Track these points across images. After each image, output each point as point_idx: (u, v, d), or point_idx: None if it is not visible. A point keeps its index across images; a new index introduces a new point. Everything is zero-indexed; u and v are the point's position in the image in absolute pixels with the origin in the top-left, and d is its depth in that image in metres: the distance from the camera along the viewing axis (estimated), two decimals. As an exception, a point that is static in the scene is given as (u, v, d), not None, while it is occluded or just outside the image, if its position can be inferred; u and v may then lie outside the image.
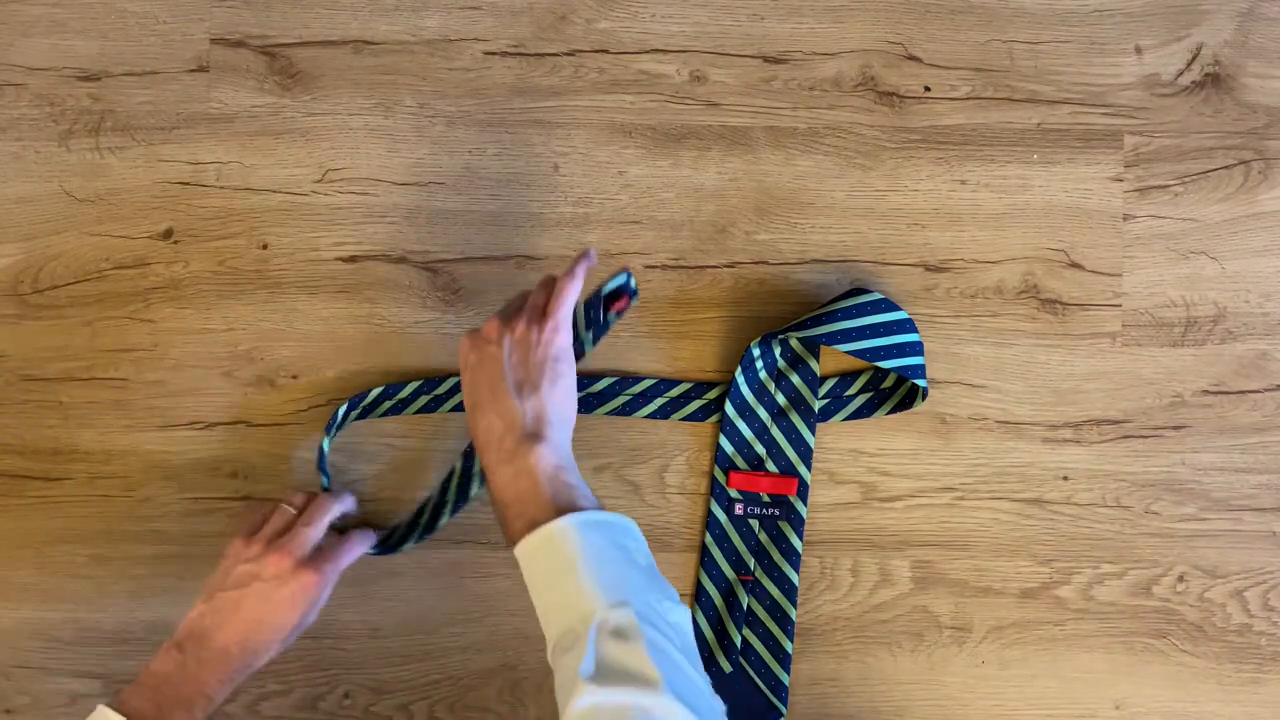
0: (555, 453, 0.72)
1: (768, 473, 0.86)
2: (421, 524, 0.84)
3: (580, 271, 0.76)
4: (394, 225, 0.88)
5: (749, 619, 0.86)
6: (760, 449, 0.87)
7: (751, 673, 0.85)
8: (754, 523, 0.87)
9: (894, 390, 0.87)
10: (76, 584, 0.86)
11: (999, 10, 0.89)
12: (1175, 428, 0.88)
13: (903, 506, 0.87)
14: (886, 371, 0.87)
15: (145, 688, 0.72)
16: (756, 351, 0.86)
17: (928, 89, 0.88)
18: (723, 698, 0.84)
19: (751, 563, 0.86)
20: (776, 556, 0.86)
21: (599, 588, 0.66)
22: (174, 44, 0.88)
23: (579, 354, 0.79)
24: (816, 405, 0.87)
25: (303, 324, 0.87)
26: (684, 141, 0.88)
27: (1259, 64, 0.89)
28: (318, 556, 0.77)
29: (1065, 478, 0.88)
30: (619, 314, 0.81)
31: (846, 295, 0.85)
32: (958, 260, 0.88)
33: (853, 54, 0.88)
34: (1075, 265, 0.88)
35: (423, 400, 0.86)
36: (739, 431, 0.87)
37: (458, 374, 0.86)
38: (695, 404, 0.87)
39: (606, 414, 0.87)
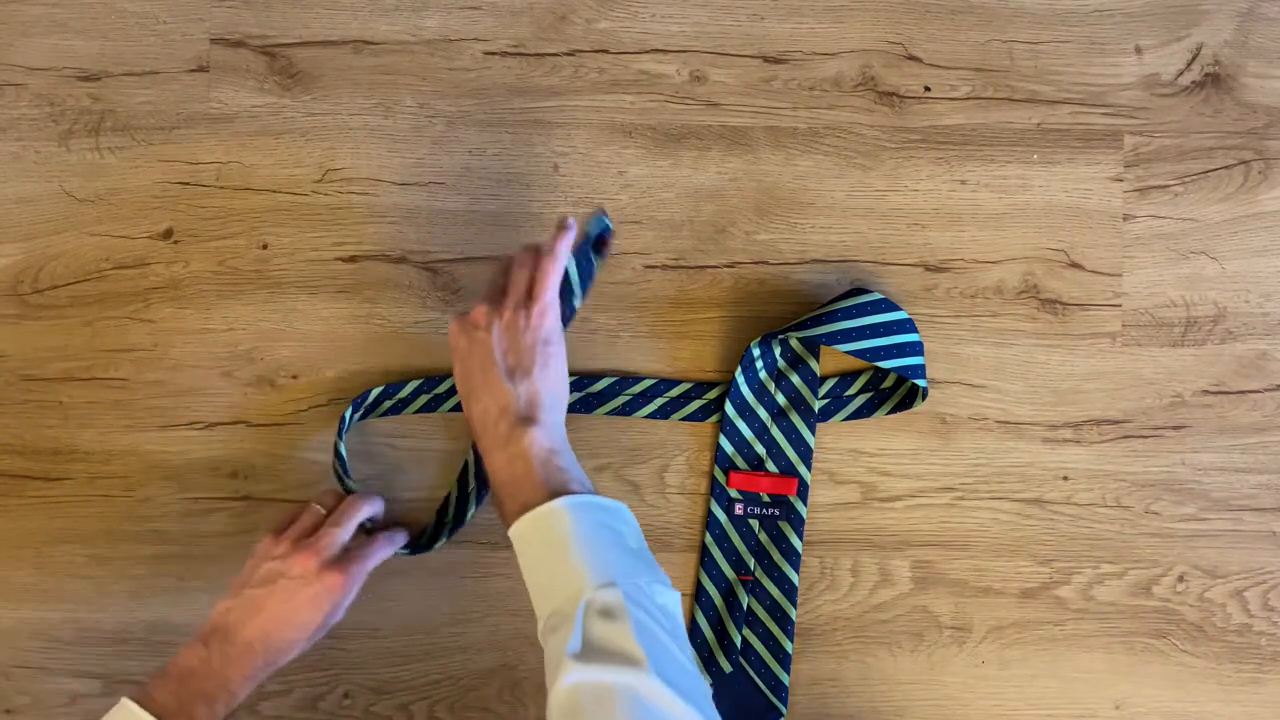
0: (549, 436, 0.73)
1: (768, 473, 0.86)
2: (449, 520, 0.85)
3: (563, 249, 0.77)
4: (394, 225, 0.88)
5: (749, 619, 0.86)
6: (760, 449, 0.87)
7: (751, 673, 0.85)
8: (754, 523, 0.87)
9: (894, 390, 0.87)
10: (76, 584, 0.86)
11: (999, 10, 0.89)
12: (1175, 428, 0.88)
13: (903, 506, 0.87)
14: (886, 371, 0.87)
15: (170, 680, 0.72)
16: (756, 351, 0.86)
17: (928, 89, 0.88)
18: (723, 698, 0.85)
19: (751, 563, 0.86)
20: (776, 556, 0.86)
21: (588, 568, 0.67)
22: (174, 44, 0.88)
23: (570, 315, 0.80)
24: (816, 405, 0.87)
25: (303, 324, 0.87)
26: (684, 141, 0.88)
27: (1259, 64, 0.89)
28: (344, 558, 0.77)
29: (1065, 478, 0.88)
30: (604, 257, 0.81)
31: (846, 295, 0.85)
32: (958, 260, 0.88)
33: (853, 54, 0.88)
34: (1075, 265, 0.88)
35: (423, 400, 0.86)
36: (739, 431, 0.87)
37: (458, 373, 0.86)
38: (695, 404, 0.87)
39: (606, 414, 0.87)
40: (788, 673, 0.85)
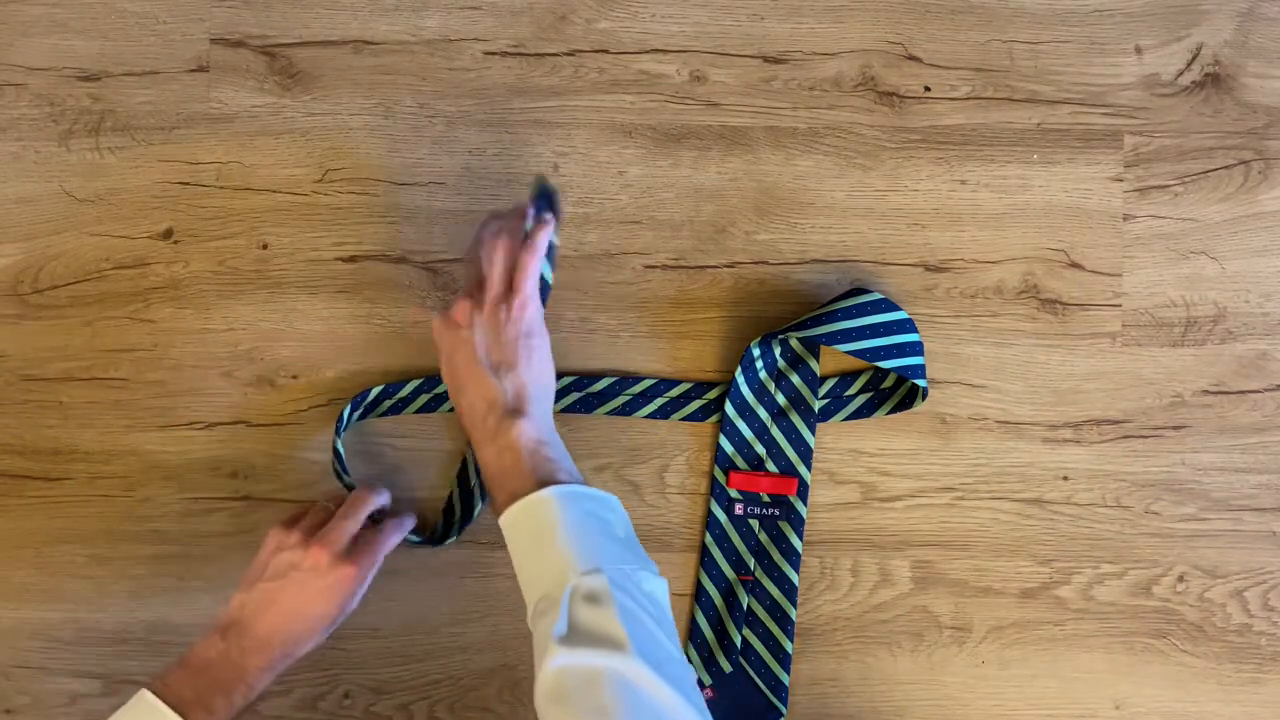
0: (536, 427, 0.74)
1: (768, 473, 0.86)
2: (457, 516, 0.85)
3: (541, 242, 0.77)
4: (394, 225, 0.88)
5: (749, 619, 0.86)
6: (760, 449, 0.87)
7: (751, 673, 0.85)
8: (754, 523, 0.87)
9: (894, 390, 0.87)
10: (76, 584, 0.86)
11: (999, 10, 0.89)
12: (1175, 428, 0.88)
13: (903, 506, 0.87)
14: (886, 371, 0.87)
15: (188, 671, 0.73)
16: (756, 351, 0.86)
17: (928, 89, 0.88)
18: (723, 697, 0.85)
19: (751, 563, 0.86)
20: (776, 556, 0.86)
21: (575, 555, 0.68)
22: (174, 44, 0.88)
23: (546, 293, 0.79)
24: (816, 405, 0.87)
25: (303, 324, 0.87)
26: (684, 141, 0.88)
27: (1259, 64, 0.89)
28: (355, 550, 0.77)
29: (1065, 478, 0.88)
30: (559, 220, 0.79)
31: (846, 295, 0.85)
32: (958, 260, 0.88)
33: (853, 54, 0.88)
34: (1075, 265, 0.88)
35: (423, 399, 0.86)
36: (739, 431, 0.87)
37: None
38: (695, 404, 0.87)
39: (606, 414, 0.87)
40: (788, 673, 0.85)
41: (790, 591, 0.86)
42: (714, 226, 0.88)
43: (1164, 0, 0.89)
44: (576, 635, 0.65)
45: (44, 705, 0.86)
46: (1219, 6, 0.89)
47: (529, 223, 0.77)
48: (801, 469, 0.86)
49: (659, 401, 0.87)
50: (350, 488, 0.83)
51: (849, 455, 0.87)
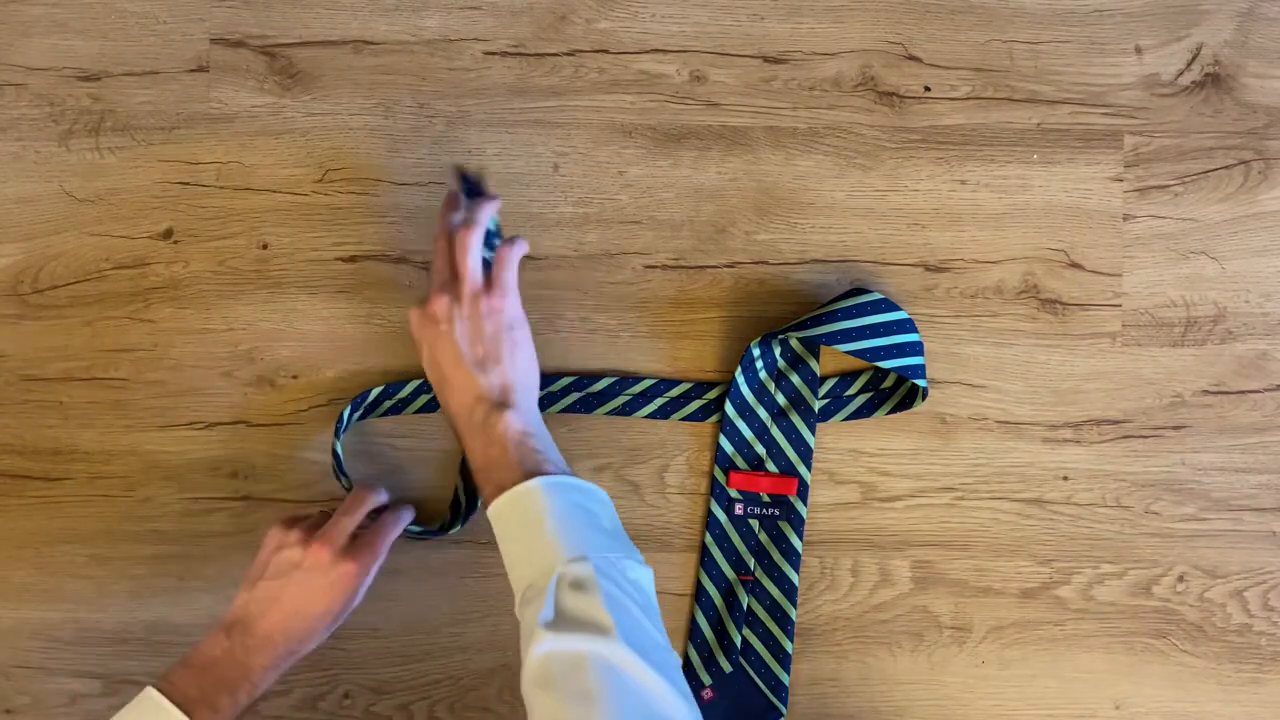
0: (523, 419, 0.75)
1: (768, 473, 0.86)
2: (462, 508, 0.85)
3: (520, 243, 0.78)
4: (394, 225, 0.88)
5: (749, 619, 0.86)
6: (760, 449, 0.87)
7: (751, 673, 0.85)
8: (754, 523, 0.87)
9: (894, 390, 0.87)
10: (76, 584, 0.86)
11: (999, 10, 0.89)
12: (1175, 428, 0.88)
13: (903, 506, 0.87)
14: (886, 371, 0.87)
15: (192, 669, 0.73)
16: (756, 351, 0.86)
17: (928, 89, 0.88)
18: (723, 698, 0.85)
19: (751, 563, 0.86)
20: (776, 556, 0.86)
21: (561, 544, 0.69)
22: (174, 44, 0.88)
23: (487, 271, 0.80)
24: (816, 405, 0.87)
25: (303, 324, 0.87)
26: (684, 141, 0.88)
27: (1259, 64, 0.89)
28: (355, 546, 0.78)
29: (1065, 478, 0.88)
30: (490, 196, 0.81)
31: (846, 295, 0.85)
32: (958, 260, 0.88)
33: (853, 54, 0.88)
34: (1075, 265, 0.88)
35: (423, 400, 0.86)
36: (739, 431, 0.87)
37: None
38: (695, 404, 0.87)
39: (606, 414, 0.87)
40: (788, 673, 0.85)
41: (790, 591, 0.86)
42: (714, 226, 0.88)
43: (1164, 0, 0.89)
44: (563, 621, 0.66)
45: (44, 705, 0.86)
46: (1219, 6, 0.89)
47: (459, 216, 0.78)
48: (801, 469, 0.86)
49: (659, 401, 0.87)
50: (349, 490, 0.83)
51: (849, 455, 0.87)
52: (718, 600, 0.86)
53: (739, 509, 0.87)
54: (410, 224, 0.87)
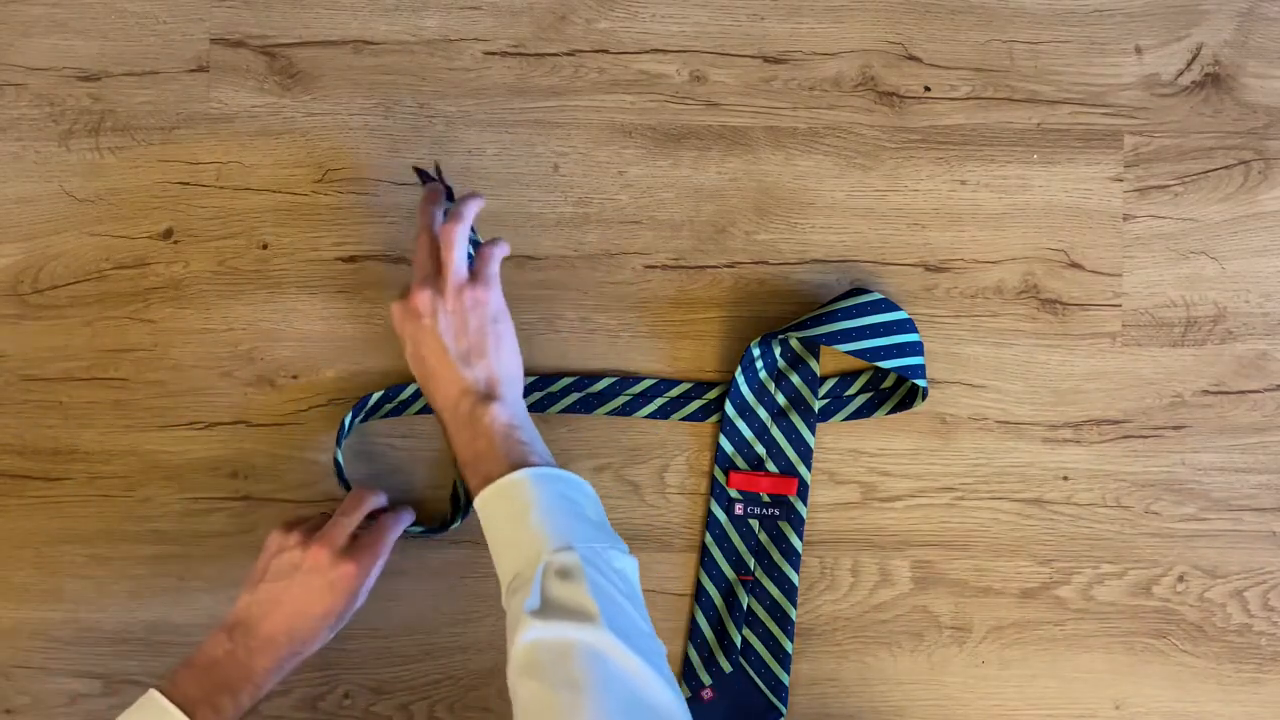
0: (509, 411, 0.76)
1: (768, 473, 0.86)
2: (461, 503, 0.85)
3: (503, 243, 0.79)
4: (394, 225, 0.88)
5: (749, 619, 0.86)
6: (760, 449, 0.87)
7: (751, 673, 0.85)
8: (754, 523, 0.87)
9: (894, 390, 0.87)
10: (76, 584, 0.86)
11: (999, 10, 0.89)
12: (1175, 428, 0.88)
13: (903, 506, 0.87)
14: (886, 371, 0.87)
15: (195, 671, 0.73)
16: (756, 351, 0.86)
17: (928, 89, 0.88)
18: (723, 697, 0.85)
19: (751, 563, 0.86)
20: (776, 556, 0.86)
21: (547, 533, 0.70)
22: (174, 44, 0.88)
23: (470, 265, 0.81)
24: (816, 405, 0.87)
25: (303, 324, 0.87)
26: (684, 141, 0.88)
27: (1259, 64, 0.89)
28: (355, 547, 0.78)
29: (1065, 478, 0.88)
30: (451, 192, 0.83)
31: (846, 295, 0.85)
32: (958, 260, 0.88)
33: (853, 54, 0.88)
34: (1075, 265, 0.88)
35: (423, 401, 0.86)
36: (739, 431, 0.87)
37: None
38: (695, 404, 0.87)
39: (606, 414, 0.87)
40: (788, 673, 0.85)
41: (790, 591, 0.86)
42: (714, 226, 0.88)
43: (1164, 0, 0.89)
44: (549, 609, 0.66)
45: (44, 705, 0.86)
46: (1219, 6, 0.89)
47: (443, 211, 0.79)
48: (801, 469, 0.86)
49: (659, 401, 0.87)
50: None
51: (849, 455, 0.87)
52: (718, 600, 0.86)
53: (739, 509, 0.87)
54: (410, 224, 0.87)
